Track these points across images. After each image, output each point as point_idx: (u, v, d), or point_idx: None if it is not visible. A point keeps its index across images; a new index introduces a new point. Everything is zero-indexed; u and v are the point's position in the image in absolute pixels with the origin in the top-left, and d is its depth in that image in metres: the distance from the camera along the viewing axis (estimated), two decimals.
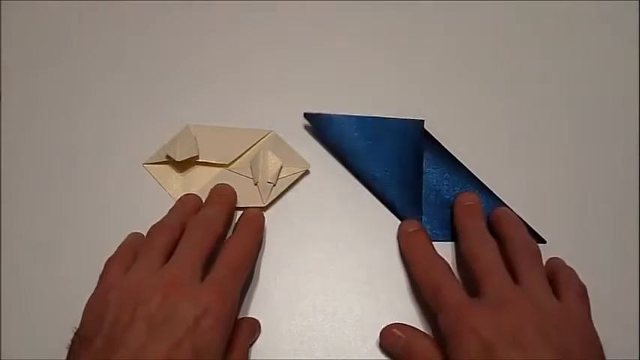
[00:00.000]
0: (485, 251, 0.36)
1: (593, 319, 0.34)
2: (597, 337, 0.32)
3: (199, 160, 0.40)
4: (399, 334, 0.36)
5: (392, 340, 0.36)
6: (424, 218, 0.40)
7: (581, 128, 0.43)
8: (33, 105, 0.43)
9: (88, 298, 0.33)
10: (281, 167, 0.40)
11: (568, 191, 0.41)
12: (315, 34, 0.45)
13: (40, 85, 0.44)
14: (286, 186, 0.40)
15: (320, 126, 0.41)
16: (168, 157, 0.40)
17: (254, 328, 0.36)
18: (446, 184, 0.40)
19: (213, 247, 0.35)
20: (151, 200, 0.40)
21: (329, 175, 0.41)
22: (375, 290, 0.38)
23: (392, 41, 0.45)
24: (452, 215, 0.39)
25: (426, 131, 0.42)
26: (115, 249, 0.36)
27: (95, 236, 0.39)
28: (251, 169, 0.40)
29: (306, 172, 0.41)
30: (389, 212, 0.40)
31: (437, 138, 0.42)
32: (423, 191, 0.40)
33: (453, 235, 0.39)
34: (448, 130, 0.42)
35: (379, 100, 0.43)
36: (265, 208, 0.40)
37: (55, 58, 0.45)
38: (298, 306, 0.38)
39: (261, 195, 0.39)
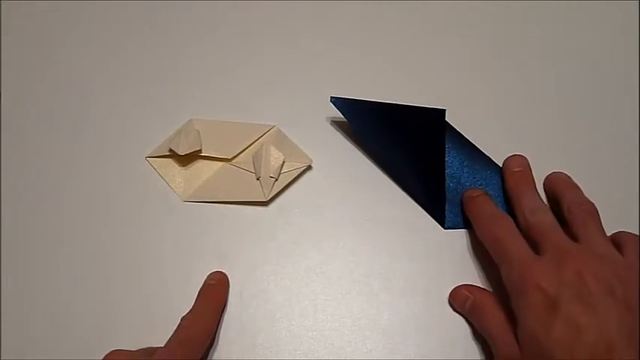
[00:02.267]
0: (540, 214, 0.36)
1: None
2: None
3: (202, 154, 0.41)
4: (467, 294, 0.37)
5: (461, 300, 0.37)
6: (446, 206, 0.40)
7: (581, 128, 0.43)
8: (33, 105, 0.43)
9: (89, 297, 0.33)
10: (283, 162, 0.40)
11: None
12: (319, 28, 0.45)
13: (40, 84, 0.44)
14: (288, 180, 0.40)
15: (346, 110, 0.41)
16: (171, 150, 0.40)
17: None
18: (466, 172, 0.41)
19: None
20: (154, 194, 0.40)
21: (329, 175, 0.41)
22: (375, 290, 0.38)
23: (396, 36, 0.45)
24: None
25: (445, 121, 0.42)
26: (117, 245, 0.36)
27: (97, 232, 0.39)
28: (253, 163, 0.40)
29: (309, 168, 0.41)
30: (389, 212, 0.40)
31: (457, 128, 0.42)
32: (447, 177, 0.41)
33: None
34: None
35: (384, 97, 0.43)
36: (267, 203, 0.40)
37: (55, 54, 0.44)
38: (298, 306, 0.38)
39: (263, 189, 0.39)
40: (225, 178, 0.41)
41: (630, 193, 0.41)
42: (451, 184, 0.41)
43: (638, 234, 0.37)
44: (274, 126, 0.42)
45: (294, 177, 0.40)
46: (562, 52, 0.46)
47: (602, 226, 0.36)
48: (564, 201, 0.38)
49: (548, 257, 0.33)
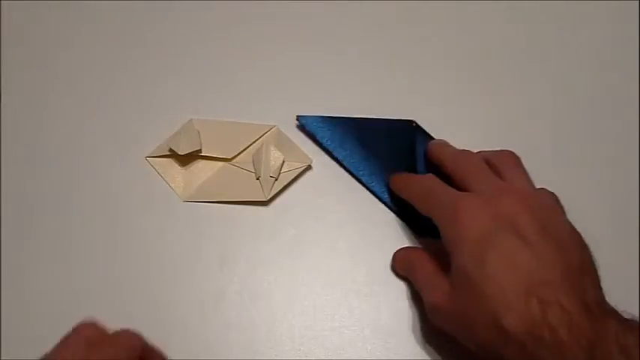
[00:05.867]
0: (464, 158, 0.37)
1: None
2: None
3: (202, 154, 0.41)
4: (401, 254, 0.38)
5: (398, 264, 0.38)
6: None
7: (580, 129, 0.43)
8: (32, 105, 0.43)
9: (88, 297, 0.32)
10: (283, 162, 0.40)
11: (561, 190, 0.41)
12: (320, 29, 0.45)
13: (40, 84, 0.43)
14: (288, 180, 0.40)
15: (312, 128, 0.41)
16: (171, 150, 0.40)
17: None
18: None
19: None
20: (155, 194, 0.40)
21: (329, 175, 0.41)
22: (375, 290, 0.38)
23: (396, 39, 0.45)
24: None
25: (419, 127, 0.42)
26: (117, 245, 0.36)
27: (97, 232, 0.39)
28: (253, 163, 0.40)
29: (309, 167, 0.41)
30: (389, 212, 0.40)
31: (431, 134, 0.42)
32: None
33: None
34: (442, 129, 0.42)
35: (381, 98, 0.43)
36: (267, 203, 0.40)
37: (55, 55, 0.44)
38: (298, 306, 0.38)
39: (263, 189, 0.39)
40: (225, 178, 0.41)
41: (630, 193, 0.41)
42: None
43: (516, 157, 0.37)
44: (274, 126, 0.42)
45: (294, 177, 0.40)
46: (562, 52, 0.46)
47: (524, 167, 0.36)
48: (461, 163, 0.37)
49: (481, 193, 0.33)
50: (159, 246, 0.39)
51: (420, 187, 0.36)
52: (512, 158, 0.37)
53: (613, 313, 0.28)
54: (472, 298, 0.30)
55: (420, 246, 0.39)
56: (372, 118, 0.42)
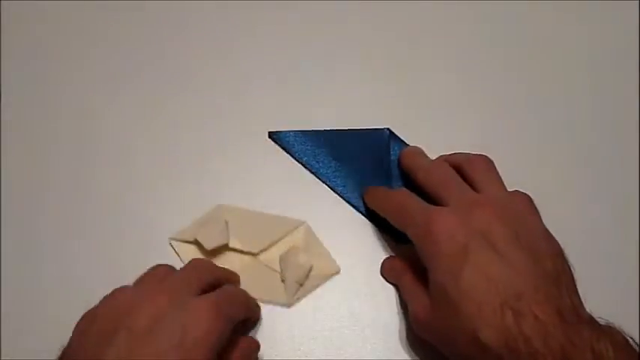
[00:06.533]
0: (436, 169, 0.36)
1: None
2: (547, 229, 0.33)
3: (228, 246, 0.38)
4: (388, 263, 0.38)
5: (386, 272, 0.38)
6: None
7: (580, 129, 0.43)
8: (33, 105, 0.43)
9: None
10: (311, 268, 0.38)
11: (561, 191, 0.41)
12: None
13: (41, 85, 0.44)
14: (314, 287, 0.38)
15: (285, 143, 0.41)
16: (197, 241, 0.38)
17: (251, 349, 0.34)
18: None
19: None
20: (158, 200, 0.40)
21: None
22: (375, 290, 0.38)
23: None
24: None
25: (393, 134, 0.42)
26: (118, 246, 0.36)
27: (97, 231, 0.39)
28: (280, 263, 0.38)
29: (336, 274, 0.39)
30: None
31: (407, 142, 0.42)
32: None
33: None
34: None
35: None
36: (289, 307, 0.38)
37: (56, 55, 0.45)
38: (298, 306, 0.38)
39: (287, 293, 0.37)
40: (249, 274, 0.38)
41: (630, 193, 0.41)
42: None
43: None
44: (304, 222, 0.40)
45: (320, 283, 0.38)
46: (561, 52, 0.46)
47: (497, 172, 0.36)
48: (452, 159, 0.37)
49: (453, 206, 0.33)
50: None
51: (394, 203, 0.36)
52: (485, 163, 0.36)
53: (588, 320, 0.29)
54: (450, 313, 0.30)
55: (400, 252, 0.39)
56: (346, 129, 0.42)
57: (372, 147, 0.41)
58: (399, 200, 0.36)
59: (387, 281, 0.38)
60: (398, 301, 0.38)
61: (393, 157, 0.41)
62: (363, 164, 0.41)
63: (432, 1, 0.46)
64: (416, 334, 0.34)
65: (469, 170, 0.36)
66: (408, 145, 0.41)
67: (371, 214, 0.39)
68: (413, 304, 0.34)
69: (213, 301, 0.30)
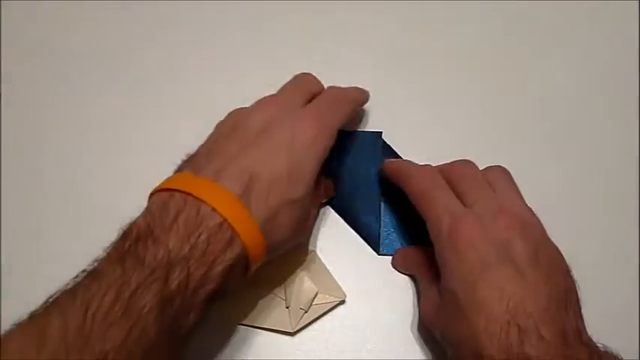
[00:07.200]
0: (467, 166, 0.36)
1: (593, 320, 0.33)
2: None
3: None
4: (400, 252, 0.39)
5: (398, 262, 0.39)
6: (383, 228, 0.39)
7: (580, 129, 0.43)
8: (33, 105, 0.43)
9: None
10: (316, 294, 0.37)
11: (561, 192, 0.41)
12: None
13: (41, 85, 0.44)
14: (319, 314, 0.37)
15: None
16: None
17: (329, 189, 0.39)
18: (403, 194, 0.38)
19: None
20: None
21: None
22: (374, 290, 0.38)
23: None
24: (411, 220, 0.37)
25: (384, 142, 0.41)
26: None
27: (97, 231, 0.39)
28: (285, 290, 0.38)
29: (342, 302, 0.38)
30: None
31: (395, 149, 0.41)
32: (382, 202, 0.40)
33: (412, 241, 0.39)
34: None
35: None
36: (293, 334, 0.37)
37: (55, 57, 0.45)
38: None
39: (290, 320, 0.37)
40: (253, 300, 0.38)
41: (630, 195, 0.41)
42: (389, 206, 0.40)
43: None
44: (312, 250, 0.39)
45: (325, 310, 0.37)
46: (561, 52, 0.46)
47: (516, 184, 0.36)
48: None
49: (478, 211, 0.32)
50: None
51: (421, 186, 0.35)
52: (505, 174, 0.36)
53: (588, 343, 0.29)
54: (458, 321, 0.30)
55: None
56: (340, 130, 0.41)
57: (363, 149, 0.41)
58: (426, 186, 0.35)
59: (399, 271, 0.38)
60: (398, 301, 0.38)
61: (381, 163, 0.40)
62: (354, 166, 0.40)
63: (432, 1, 0.46)
64: (419, 330, 0.36)
65: (491, 179, 0.35)
66: (396, 152, 0.41)
67: (349, 220, 0.40)
68: (424, 298, 0.35)
69: (315, 112, 0.34)
